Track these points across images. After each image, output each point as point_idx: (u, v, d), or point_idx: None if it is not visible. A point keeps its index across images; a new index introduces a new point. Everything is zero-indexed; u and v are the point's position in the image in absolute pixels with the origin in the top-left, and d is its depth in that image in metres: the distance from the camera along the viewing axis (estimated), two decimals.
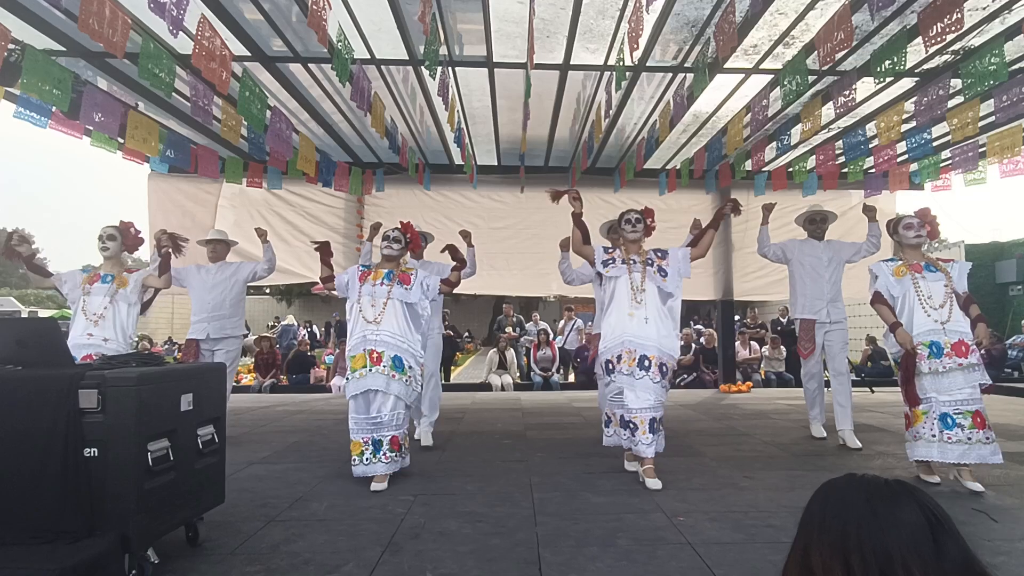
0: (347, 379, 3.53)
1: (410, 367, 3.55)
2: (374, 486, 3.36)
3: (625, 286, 3.62)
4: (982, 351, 3.48)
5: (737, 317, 10.82)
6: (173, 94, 4.18)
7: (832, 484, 0.78)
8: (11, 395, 2.06)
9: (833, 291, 4.61)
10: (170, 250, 4.17)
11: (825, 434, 4.60)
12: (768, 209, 4.86)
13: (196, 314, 4.90)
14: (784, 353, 9.40)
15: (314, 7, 3.13)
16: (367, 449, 3.44)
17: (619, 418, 3.61)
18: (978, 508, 2.89)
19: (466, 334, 18.97)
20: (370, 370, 3.44)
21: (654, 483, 3.34)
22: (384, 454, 3.45)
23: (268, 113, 4.22)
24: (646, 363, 3.48)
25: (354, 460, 3.46)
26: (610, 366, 3.57)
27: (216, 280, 4.87)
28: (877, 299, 3.59)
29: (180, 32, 2.91)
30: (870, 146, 5.64)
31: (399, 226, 3.83)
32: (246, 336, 5.14)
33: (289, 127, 4.74)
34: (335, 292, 3.76)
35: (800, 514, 0.82)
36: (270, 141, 4.50)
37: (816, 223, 4.78)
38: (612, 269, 3.68)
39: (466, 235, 4.75)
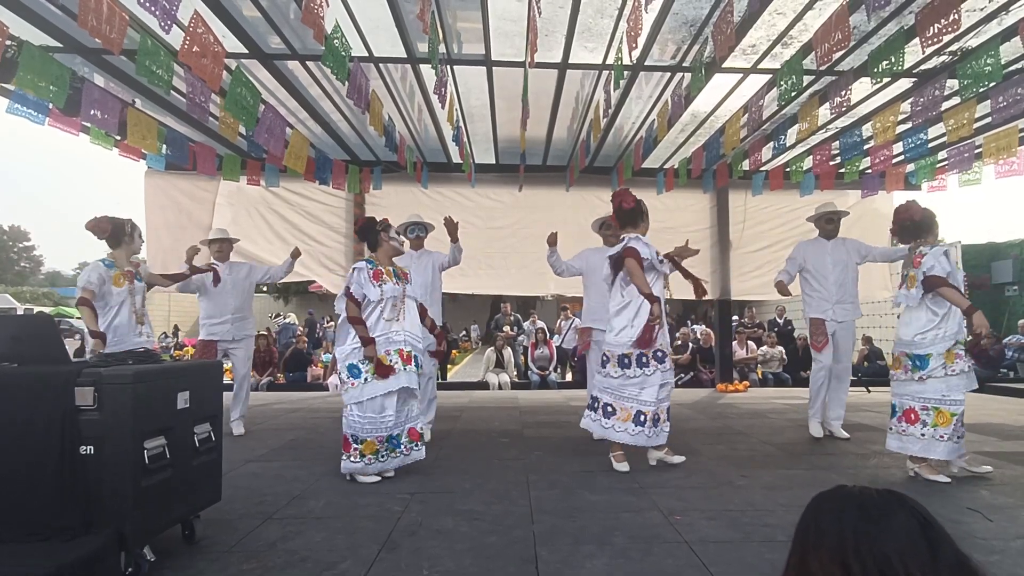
0: (366, 379, 3.41)
1: (421, 364, 3.65)
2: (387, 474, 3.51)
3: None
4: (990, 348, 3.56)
5: (735, 317, 10.85)
6: (171, 91, 4.15)
7: (824, 495, 0.81)
8: (7, 392, 2.06)
9: (840, 292, 4.60)
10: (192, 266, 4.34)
11: (822, 434, 4.62)
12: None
13: (217, 316, 4.88)
14: (781, 353, 9.43)
15: (310, 3, 3.12)
16: (382, 448, 3.46)
17: (633, 412, 3.61)
18: (973, 507, 2.90)
19: (463, 333, 18.95)
20: (404, 369, 3.48)
21: (678, 458, 3.79)
22: (404, 447, 3.53)
23: (261, 108, 4.20)
24: (659, 355, 3.64)
25: (367, 459, 3.40)
26: (627, 360, 3.63)
27: (234, 282, 4.91)
28: (940, 283, 3.31)
29: (174, 27, 2.89)
30: (866, 147, 5.65)
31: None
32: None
33: (283, 123, 4.72)
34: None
35: (796, 513, 0.84)
36: (261, 137, 4.48)
37: (834, 222, 4.79)
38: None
39: (452, 227, 4.49)
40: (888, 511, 0.73)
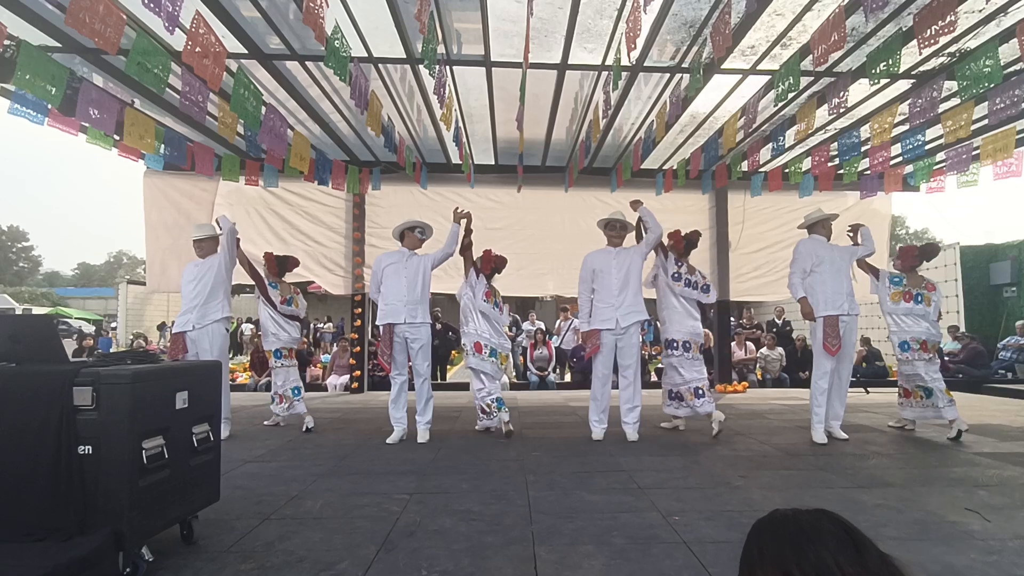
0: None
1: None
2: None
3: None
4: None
5: (732, 318, 10.84)
6: (169, 91, 4.14)
7: (762, 521, 0.94)
8: (5, 392, 2.05)
9: (849, 284, 4.67)
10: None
11: (827, 440, 4.51)
12: None
13: (181, 309, 4.90)
14: (780, 354, 9.44)
15: (310, 4, 3.12)
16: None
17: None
18: (971, 508, 2.91)
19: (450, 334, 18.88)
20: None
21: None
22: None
23: (263, 110, 4.20)
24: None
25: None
26: (689, 345, 4.89)
27: (200, 272, 4.86)
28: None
29: (176, 28, 2.89)
30: (865, 148, 5.66)
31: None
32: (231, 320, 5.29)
33: (284, 124, 4.73)
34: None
35: None
36: (264, 139, 4.48)
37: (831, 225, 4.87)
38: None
39: (466, 221, 4.99)
40: (819, 525, 0.86)
